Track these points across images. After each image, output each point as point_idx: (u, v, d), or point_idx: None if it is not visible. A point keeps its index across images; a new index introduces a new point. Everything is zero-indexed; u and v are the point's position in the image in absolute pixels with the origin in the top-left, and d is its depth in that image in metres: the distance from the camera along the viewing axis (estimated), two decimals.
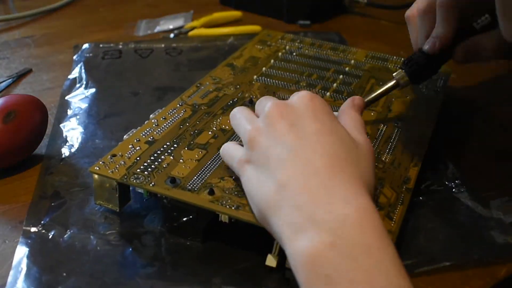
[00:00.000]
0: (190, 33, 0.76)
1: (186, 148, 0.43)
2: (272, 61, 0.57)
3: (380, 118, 0.49)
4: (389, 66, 0.58)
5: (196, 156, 0.42)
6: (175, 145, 0.43)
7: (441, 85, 0.55)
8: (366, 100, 0.47)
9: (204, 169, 0.40)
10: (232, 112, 0.41)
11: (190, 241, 0.39)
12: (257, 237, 0.35)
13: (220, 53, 0.69)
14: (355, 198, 0.32)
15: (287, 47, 0.61)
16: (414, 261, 0.38)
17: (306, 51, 0.61)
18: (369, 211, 0.31)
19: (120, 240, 0.40)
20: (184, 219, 0.40)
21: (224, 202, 0.37)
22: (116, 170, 0.40)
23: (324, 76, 0.56)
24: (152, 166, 0.40)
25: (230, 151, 0.39)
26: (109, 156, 0.41)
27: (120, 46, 0.71)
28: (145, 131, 0.44)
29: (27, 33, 0.76)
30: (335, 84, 0.54)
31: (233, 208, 0.37)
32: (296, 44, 0.62)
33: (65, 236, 0.40)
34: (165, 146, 0.43)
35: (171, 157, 0.41)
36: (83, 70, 0.64)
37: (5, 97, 0.47)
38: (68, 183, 0.45)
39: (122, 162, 0.40)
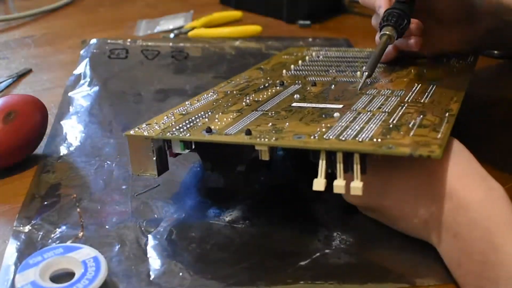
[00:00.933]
0: (190, 33, 0.76)
1: (220, 113, 0.43)
2: (300, 61, 0.58)
3: (413, 82, 0.49)
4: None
5: (231, 117, 0.42)
6: (209, 113, 0.43)
7: (472, 60, 0.56)
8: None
9: (240, 122, 0.40)
10: None
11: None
12: (256, 238, 0.35)
13: (226, 58, 0.69)
14: None
15: (314, 54, 0.61)
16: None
17: (333, 53, 0.61)
18: None
19: (113, 240, 0.39)
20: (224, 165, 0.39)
21: (262, 138, 0.37)
22: (152, 132, 0.39)
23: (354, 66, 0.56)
24: (188, 126, 0.40)
25: None
26: (144, 124, 0.41)
27: (128, 43, 0.71)
28: (179, 109, 0.44)
29: (27, 33, 0.76)
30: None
31: (272, 140, 0.36)
32: (322, 52, 0.62)
33: (55, 235, 0.40)
34: (199, 114, 0.43)
35: (206, 120, 0.41)
36: (88, 67, 0.64)
37: (5, 97, 0.47)
38: (62, 181, 0.45)
39: (157, 127, 0.40)
